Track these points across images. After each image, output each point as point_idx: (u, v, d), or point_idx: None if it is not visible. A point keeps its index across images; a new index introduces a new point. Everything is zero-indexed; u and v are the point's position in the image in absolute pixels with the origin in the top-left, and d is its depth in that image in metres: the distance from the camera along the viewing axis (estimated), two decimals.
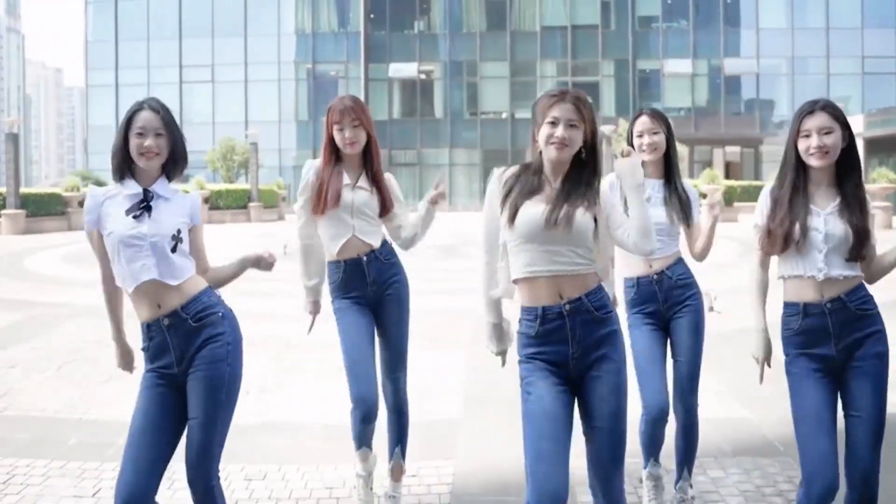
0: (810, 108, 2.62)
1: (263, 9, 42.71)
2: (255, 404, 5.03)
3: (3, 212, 21.78)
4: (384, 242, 3.39)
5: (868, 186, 22.45)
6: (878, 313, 2.66)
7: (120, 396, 5.08)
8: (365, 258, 3.30)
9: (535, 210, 2.36)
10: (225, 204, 28.33)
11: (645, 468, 3.38)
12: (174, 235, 2.55)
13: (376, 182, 3.35)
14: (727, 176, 36.23)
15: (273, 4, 42.79)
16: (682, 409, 3.31)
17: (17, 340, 7.20)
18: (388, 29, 42.41)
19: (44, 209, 23.15)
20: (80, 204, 24.12)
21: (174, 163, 2.65)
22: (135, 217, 2.53)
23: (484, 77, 42.08)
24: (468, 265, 12.42)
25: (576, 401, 2.42)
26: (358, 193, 3.30)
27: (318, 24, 42.97)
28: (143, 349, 2.60)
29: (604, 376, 2.36)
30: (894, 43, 40.51)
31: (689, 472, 3.40)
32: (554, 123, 2.38)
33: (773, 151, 39.99)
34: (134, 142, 2.57)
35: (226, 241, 16.95)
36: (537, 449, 2.27)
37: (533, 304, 2.38)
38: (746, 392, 4.92)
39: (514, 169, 2.49)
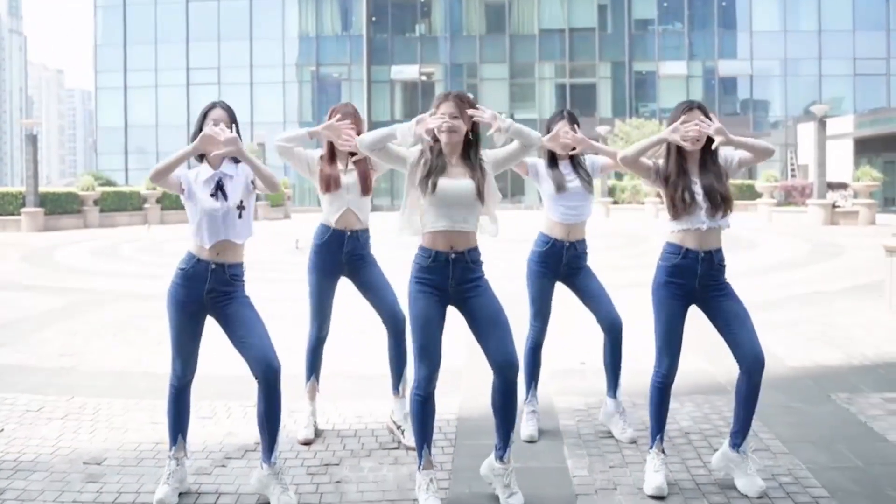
0: (690, 106, 3.52)
1: (268, 13, 43.59)
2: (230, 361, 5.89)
3: (23, 210, 22.67)
4: (366, 229, 4.29)
5: (853, 184, 23.34)
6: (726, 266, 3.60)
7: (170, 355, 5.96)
8: (349, 233, 4.19)
9: (447, 185, 3.28)
10: None
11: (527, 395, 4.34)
12: (238, 205, 3.47)
13: (363, 166, 4.25)
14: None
15: (277, 8, 43.66)
16: (608, 328, 4.27)
17: (70, 316, 8.08)
18: (390, 32, 43.26)
19: (61, 207, 24.08)
20: (95, 203, 25.09)
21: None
22: (212, 195, 3.45)
23: (484, 79, 42.92)
24: None
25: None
26: (349, 175, 4.23)
27: (321, 27, 43.83)
28: (180, 268, 3.44)
29: (479, 292, 3.34)
30: (885, 45, 41.40)
31: (615, 391, 4.32)
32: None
33: None
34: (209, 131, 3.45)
35: None
36: (420, 342, 3.34)
37: (430, 248, 3.31)
38: (705, 347, 5.80)
39: (422, 148, 3.38)
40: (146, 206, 27.22)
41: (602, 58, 42.57)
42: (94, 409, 4.82)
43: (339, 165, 4.26)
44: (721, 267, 3.52)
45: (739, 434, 3.51)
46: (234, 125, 3.48)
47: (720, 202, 3.45)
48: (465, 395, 4.96)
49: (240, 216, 3.47)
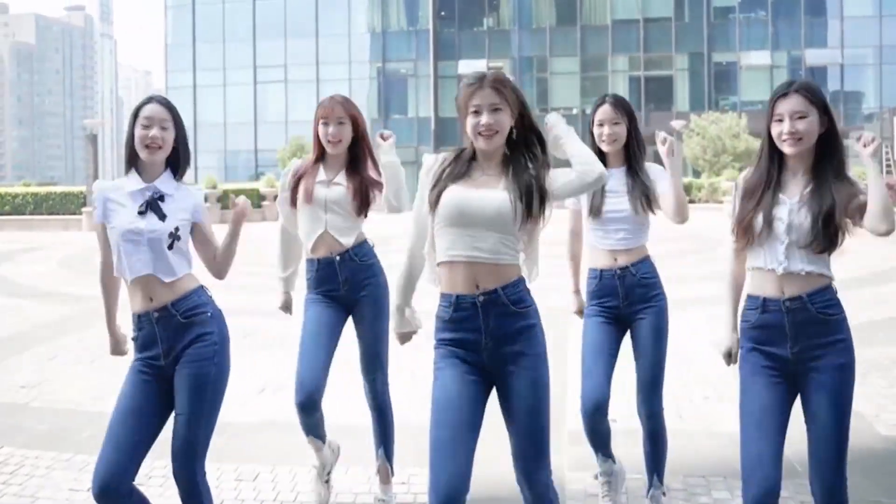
0: (784, 90, 2.42)
1: (334, 9, 43.51)
2: (255, 403, 5.03)
3: (84, 209, 22.77)
4: (363, 243, 3.34)
5: None
6: (844, 319, 2.46)
7: None
8: (338, 258, 3.26)
9: (460, 194, 2.30)
10: None
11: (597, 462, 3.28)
12: (171, 233, 2.60)
13: (358, 180, 3.29)
14: None
15: (344, 5, 43.53)
16: (644, 415, 3.18)
17: (66, 332, 7.44)
18: (458, 26, 42.49)
19: None
20: None
21: (179, 159, 2.70)
22: (139, 213, 2.60)
23: (554, 73, 41.66)
24: None
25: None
26: (333, 189, 3.26)
27: (387, 22, 43.40)
28: (132, 339, 2.69)
29: (520, 371, 2.30)
30: None
31: (661, 479, 3.26)
32: (477, 112, 2.31)
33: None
34: (139, 132, 2.62)
35: None
36: (436, 437, 2.23)
37: (449, 291, 2.34)
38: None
39: (445, 155, 2.43)
40: (206, 204, 27.15)
41: (679, 49, 40.66)
42: (17, 463, 4.06)
43: (323, 174, 3.31)
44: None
45: None
46: (174, 121, 2.64)
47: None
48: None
49: (170, 247, 2.60)
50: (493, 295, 2.29)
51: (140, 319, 2.62)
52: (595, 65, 41.49)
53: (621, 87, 41.71)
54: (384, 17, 43.42)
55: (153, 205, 2.60)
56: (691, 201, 29.58)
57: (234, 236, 2.71)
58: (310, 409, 3.22)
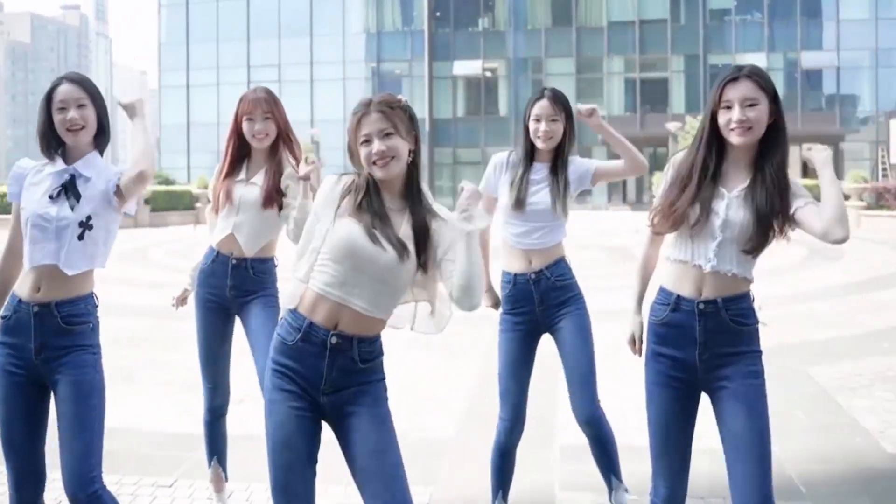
0: (734, 75, 2.23)
1: (329, 9, 43.21)
2: (235, 414, 4.81)
3: None
4: (268, 260, 3.17)
5: None
6: (757, 331, 2.28)
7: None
8: (234, 261, 3.11)
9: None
10: None
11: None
12: (82, 222, 2.41)
13: (270, 179, 3.12)
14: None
15: (338, 4, 43.27)
16: (584, 421, 3.02)
17: None
18: (453, 26, 42.27)
19: None
20: (147, 202, 25.00)
21: (102, 135, 2.54)
22: (51, 196, 2.42)
23: (549, 74, 41.42)
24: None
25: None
26: (248, 189, 3.11)
27: (382, 23, 43.18)
28: (2, 317, 2.48)
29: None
30: None
31: (618, 477, 3.10)
32: (368, 141, 2.10)
33: (855, 150, 38.14)
34: (57, 118, 2.45)
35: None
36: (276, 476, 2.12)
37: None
38: (773, 422, 4.43)
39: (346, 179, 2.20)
40: (198, 205, 27.04)
41: (675, 51, 40.50)
42: None
43: (242, 174, 3.16)
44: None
45: None
46: (91, 97, 2.46)
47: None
48: (442, 485, 3.74)
49: (80, 237, 2.40)
50: (346, 341, 2.11)
51: (20, 304, 2.44)
52: (591, 66, 41.30)
53: (617, 89, 41.60)
54: (379, 16, 43.21)
55: (69, 188, 2.42)
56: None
57: (138, 130, 2.59)
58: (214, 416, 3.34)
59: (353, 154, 2.17)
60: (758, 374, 2.24)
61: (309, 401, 2.11)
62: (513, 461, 3.11)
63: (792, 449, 3.98)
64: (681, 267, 2.27)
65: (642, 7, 40.63)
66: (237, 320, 3.25)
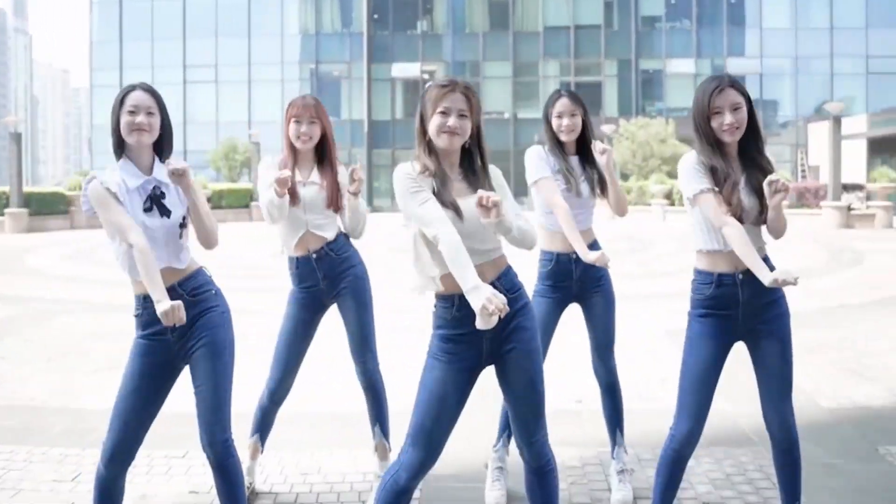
0: (718, 85, 2.67)
1: (267, 9, 42.81)
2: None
3: (7, 210, 21.90)
4: (338, 235, 3.49)
5: (869, 185, 22.43)
6: None
7: (104, 384, 5.15)
8: (315, 255, 3.41)
9: (471, 202, 2.37)
10: (227, 203, 28.40)
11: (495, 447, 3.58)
12: (181, 223, 2.69)
13: (328, 177, 3.44)
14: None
15: (276, 5, 42.91)
16: (603, 371, 3.53)
17: (10, 333, 7.27)
18: (391, 29, 42.46)
19: (47, 208, 23.30)
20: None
21: (164, 144, 2.76)
22: (146, 209, 2.65)
23: (487, 77, 42.08)
24: None
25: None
26: (308, 189, 3.40)
27: (321, 24, 43.05)
28: (135, 315, 2.70)
29: (519, 346, 2.49)
30: None
31: (622, 433, 3.57)
32: (445, 113, 2.43)
33: (777, 152, 39.86)
34: (125, 119, 2.65)
35: (229, 241, 17.01)
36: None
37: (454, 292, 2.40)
38: (727, 384, 4.94)
39: (415, 167, 2.48)
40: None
41: (608, 55, 41.69)
42: None
43: (298, 175, 3.43)
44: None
45: None
46: (159, 107, 2.70)
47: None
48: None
49: (181, 235, 2.70)
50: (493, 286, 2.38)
51: (146, 299, 2.63)
52: (527, 70, 42.09)
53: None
54: (317, 18, 43.04)
55: (156, 200, 2.66)
56: None
57: (196, 201, 2.71)
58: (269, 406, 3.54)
59: (423, 120, 2.46)
60: (784, 315, 2.78)
61: (469, 356, 2.46)
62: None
63: (744, 406, 4.50)
64: (715, 254, 2.73)
65: (577, 13, 41.66)
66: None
